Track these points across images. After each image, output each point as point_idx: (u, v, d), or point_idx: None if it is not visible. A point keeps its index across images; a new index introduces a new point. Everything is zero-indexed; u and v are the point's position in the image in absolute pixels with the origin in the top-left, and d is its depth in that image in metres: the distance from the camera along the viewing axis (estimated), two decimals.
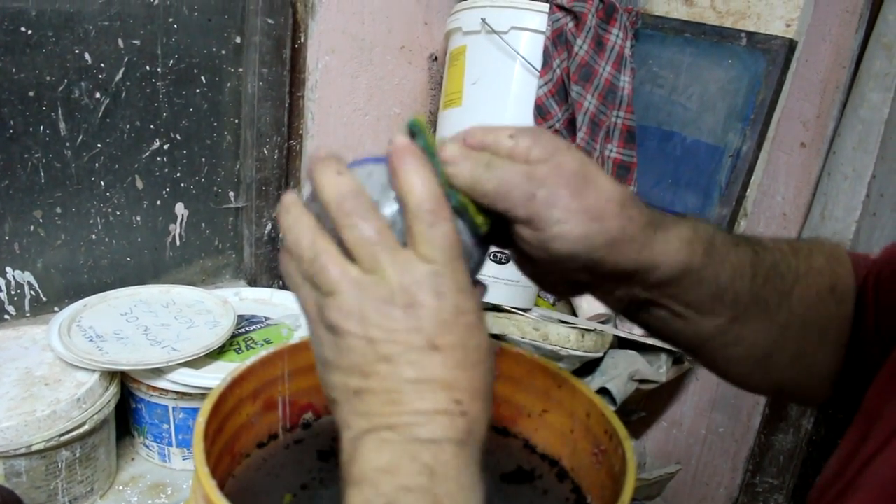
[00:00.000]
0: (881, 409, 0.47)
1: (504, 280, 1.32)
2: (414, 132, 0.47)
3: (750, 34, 1.37)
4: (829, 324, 0.55)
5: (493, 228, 0.47)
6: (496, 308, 1.36)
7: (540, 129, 0.51)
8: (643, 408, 1.95)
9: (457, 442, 0.40)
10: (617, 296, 0.51)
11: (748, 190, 1.42)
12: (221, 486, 0.57)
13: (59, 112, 1.07)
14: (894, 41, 1.38)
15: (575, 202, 0.44)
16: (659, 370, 1.48)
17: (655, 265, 0.47)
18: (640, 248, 0.47)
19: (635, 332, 1.47)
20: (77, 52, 1.06)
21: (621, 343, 1.49)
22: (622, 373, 1.37)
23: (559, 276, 0.51)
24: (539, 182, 0.44)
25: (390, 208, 0.44)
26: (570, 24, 1.27)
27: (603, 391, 1.36)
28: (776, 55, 1.34)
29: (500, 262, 1.29)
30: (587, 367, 1.42)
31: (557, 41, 1.27)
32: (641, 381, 1.41)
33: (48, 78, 1.04)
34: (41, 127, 1.06)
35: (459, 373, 0.41)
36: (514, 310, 1.35)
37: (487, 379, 0.43)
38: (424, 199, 0.42)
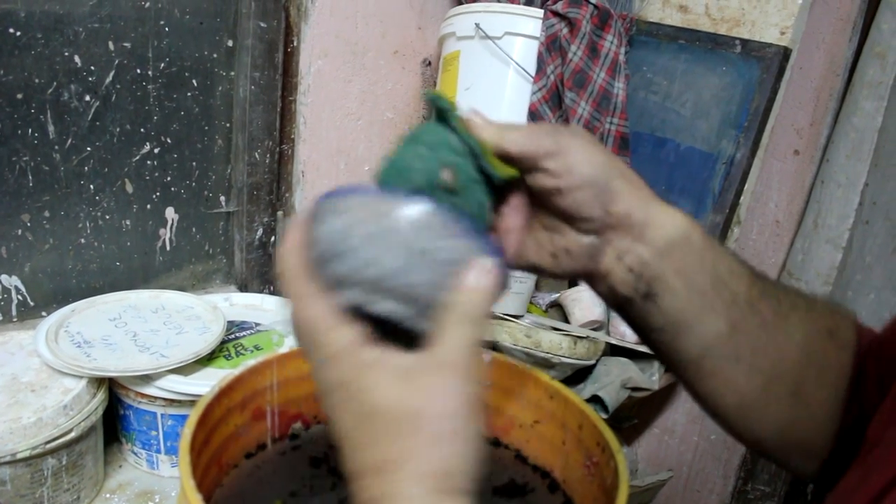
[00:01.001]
0: (885, 438, 0.45)
1: None
2: (436, 102, 0.49)
3: (744, 41, 1.36)
4: (827, 364, 0.53)
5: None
6: None
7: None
8: (635, 415, 1.95)
9: None
10: (626, 274, 0.51)
11: (741, 197, 1.41)
12: (209, 497, 0.56)
13: (48, 115, 1.06)
14: (887, 50, 1.38)
15: (594, 142, 0.50)
16: (651, 377, 1.48)
17: (661, 222, 0.50)
18: (648, 199, 0.50)
19: (628, 339, 1.47)
20: (66, 54, 1.05)
21: (613, 350, 1.48)
22: (614, 380, 1.37)
23: (568, 237, 0.52)
24: (559, 128, 0.50)
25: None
26: (565, 30, 1.27)
27: (595, 399, 1.35)
28: (770, 63, 1.33)
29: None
30: (579, 375, 1.42)
31: (551, 47, 1.27)
32: (634, 389, 1.41)
33: (37, 80, 1.03)
34: (29, 130, 1.05)
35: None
36: (505, 317, 1.34)
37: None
38: None
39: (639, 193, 0.50)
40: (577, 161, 0.49)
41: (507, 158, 0.49)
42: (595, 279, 0.53)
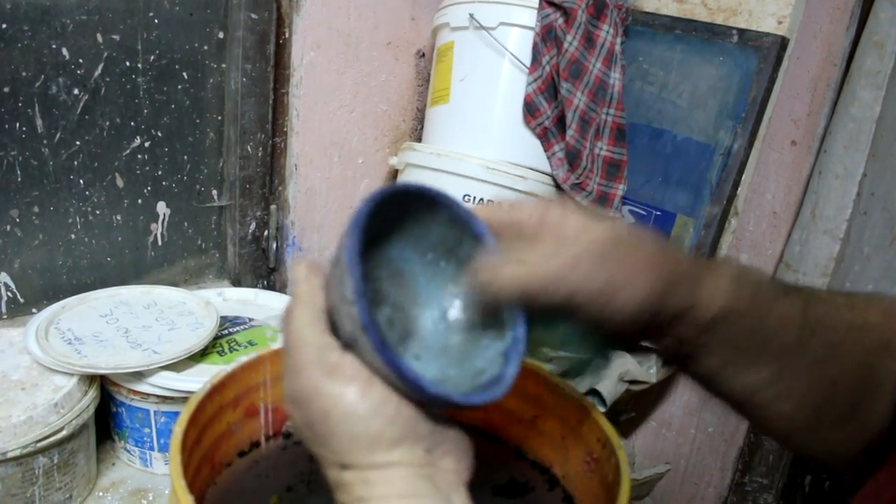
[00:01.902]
0: None
1: None
2: None
3: (741, 31, 1.35)
4: (882, 381, 0.51)
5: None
6: None
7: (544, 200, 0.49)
8: (632, 408, 1.94)
9: None
10: (668, 342, 0.50)
11: (739, 188, 1.40)
12: (201, 496, 0.55)
13: (36, 108, 1.04)
14: (885, 39, 1.37)
15: (631, 258, 0.45)
16: (649, 371, 1.47)
17: (706, 304, 0.48)
18: (694, 286, 0.48)
19: None
20: (54, 46, 1.03)
21: None
22: (612, 374, 1.36)
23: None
24: (590, 260, 0.45)
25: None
26: (560, 20, 1.25)
27: (592, 392, 1.34)
28: (768, 52, 1.32)
29: None
30: (577, 369, 1.41)
31: (547, 37, 1.25)
32: (632, 382, 1.40)
33: (24, 73, 1.02)
34: (17, 124, 1.03)
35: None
36: None
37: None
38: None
39: (684, 287, 0.47)
40: (623, 304, 0.45)
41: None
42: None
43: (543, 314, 0.47)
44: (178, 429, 0.50)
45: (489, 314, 0.48)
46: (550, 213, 0.47)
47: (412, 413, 0.42)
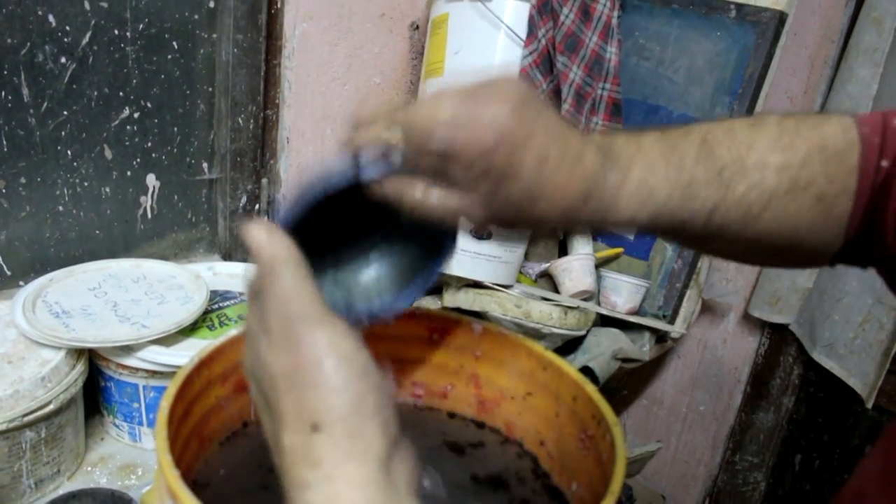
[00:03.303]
0: None
1: (485, 256, 1.29)
2: None
3: (739, 6, 1.34)
4: (826, 189, 0.51)
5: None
6: (477, 284, 1.34)
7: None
8: (624, 386, 1.95)
9: None
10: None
11: None
12: (190, 471, 0.54)
13: (22, 77, 1.02)
14: (884, 15, 1.36)
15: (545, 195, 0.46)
16: (642, 348, 1.47)
17: (626, 219, 0.49)
18: (610, 205, 0.48)
19: (618, 310, 1.45)
20: (40, 13, 1.01)
21: (604, 321, 1.47)
22: (605, 351, 1.35)
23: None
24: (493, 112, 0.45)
25: None
26: None
27: (585, 370, 1.34)
28: (766, 28, 1.31)
29: (480, 238, 1.26)
30: (569, 346, 1.40)
31: (543, 10, 1.23)
32: (625, 360, 1.40)
33: (9, 41, 0.99)
34: (2, 93, 1.01)
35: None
36: (495, 286, 1.33)
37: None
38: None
39: (599, 203, 0.48)
40: (549, 205, 0.46)
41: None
42: None
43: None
44: (165, 403, 0.49)
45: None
46: None
47: (389, 392, 0.42)
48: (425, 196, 0.46)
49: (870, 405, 1.53)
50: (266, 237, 0.42)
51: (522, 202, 0.46)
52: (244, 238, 0.42)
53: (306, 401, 0.39)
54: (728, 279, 1.76)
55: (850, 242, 0.52)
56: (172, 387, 0.51)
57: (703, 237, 0.52)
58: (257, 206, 1.34)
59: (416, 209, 0.46)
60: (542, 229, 0.48)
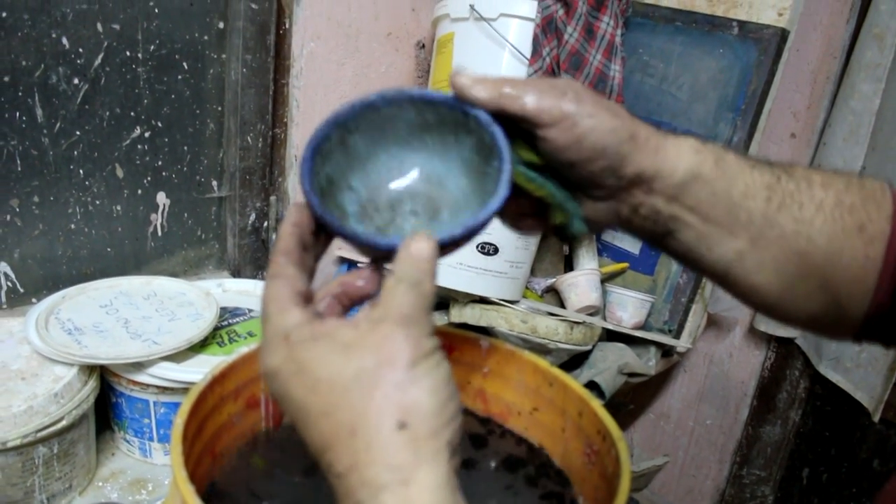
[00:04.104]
0: None
1: (492, 272, 1.30)
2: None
3: (742, 23, 1.35)
4: (854, 263, 0.52)
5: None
6: (483, 300, 1.35)
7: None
8: (631, 400, 1.95)
9: None
10: (641, 218, 0.54)
11: None
12: (201, 487, 0.55)
13: (36, 98, 1.04)
14: (885, 31, 1.37)
15: (598, 102, 0.50)
16: (648, 363, 1.47)
17: (670, 168, 0.51)
18: (656, 149, 0.51)
19: (624, 325, 1.46)
20: (54, 36, 1.03)
21: (610, 336, 1.47)
22: (611, 366, 1.36)
23: (584, 203, 0.54)
24: (562, 88, 0.49)
25: None
26: (560, 12, 1.25)
27: (591, 385, 1.34)
28: (768, 45, 1.32)
29: (487, 254, 1.28)
30: (575, 361, 1.41)
31: (547, 28, 1.25)
32: (631, 375, 1.40)
33: (24, 63, 1.01)
34: (17, 113, 1.03)
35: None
36: (501, 302, 1.33)
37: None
38: None
39: (646, 147, 0.51)
40: (586, 131, 0.49)
41: (505, 118, 0.48)
42: (617, 227, 0.57)
43: (514, 133, 0.49)
44: (180, 420, 0.50)
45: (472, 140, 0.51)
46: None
47: (460, 406, 0.42)
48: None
49: (877, 418, 1.53)
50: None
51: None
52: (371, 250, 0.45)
53: (394, 398, 0.39)
54: None
55: (881, 306, 0.53)
56: (186, 403, 0.52)
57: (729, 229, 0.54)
58: (265, 224, 1.35)
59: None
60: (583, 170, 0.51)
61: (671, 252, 0.57)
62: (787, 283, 0.54)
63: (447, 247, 0.46)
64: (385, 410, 0.38)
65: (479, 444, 0.67)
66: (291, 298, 0.43)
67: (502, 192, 0.46)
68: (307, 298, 0.45)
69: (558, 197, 0.52)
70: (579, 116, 0.48)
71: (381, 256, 0.46)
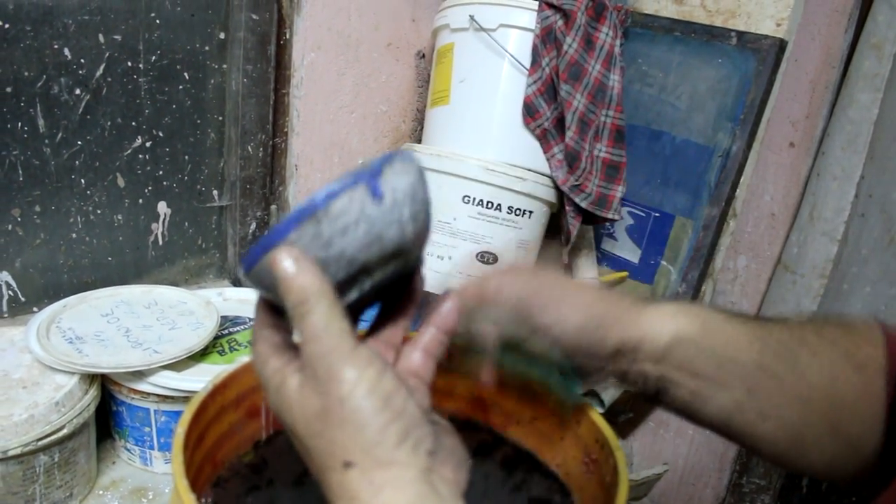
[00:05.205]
0: None
1: None
2: None
3: (740, 33, 1.36)
4: (855, 397, 0.51)
5: None
6: None
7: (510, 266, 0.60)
8: (630, 409, 1.94)
9: None
10: (634, 378, 0.55)
11: (737, 190, 1.41)
12: (203, 496, 0.56)
13: (38, 108, 1.04)
14: (884, 41, 1.38)
15: (577, 288, 0.55)
16: None
17: (653, 336, 0.53)
18: (629, 325, 0.54)
19: None
20: (56, 46, 1.04)
21: None
22: None
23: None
24: (541, 279, 0.56)
25: None
26: (560, 22, 1.26)
27: (590, 394, 1.34)
28: (766, 54, 1.33)
29: (486, 263, 1.28)
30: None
31: (546, 39, 1.26)
32: None
33: (26, 73, 1.02)
34: (19, 123, 1.03)
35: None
36: None
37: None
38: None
39: (626, 318, 0.54)
40: (567, 313, 0.54)
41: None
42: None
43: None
44: (181, 428, 0.50)
45: None
46: None
47: (416, 412, 0.42)
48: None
49: None
50: (295, 267, 0.42)
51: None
52: (272, 268, 0.42)
53: (336, 439, 0.41)
54: (733, 302, 1.77)
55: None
56: (187, 412, 0.52)
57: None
58: (266, 233, 1.35)
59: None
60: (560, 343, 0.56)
61: (668, 409, 0.57)
62: (794, 431, 0.53)
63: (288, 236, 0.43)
64: (332, 453, 0.41)
65: (479, 453, 0.67)
66: (268, 351, 0.46)
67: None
68: (290, 345, 0.47)
69: (544, 379, 0.59)
70: (558, 300, 0.54)
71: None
